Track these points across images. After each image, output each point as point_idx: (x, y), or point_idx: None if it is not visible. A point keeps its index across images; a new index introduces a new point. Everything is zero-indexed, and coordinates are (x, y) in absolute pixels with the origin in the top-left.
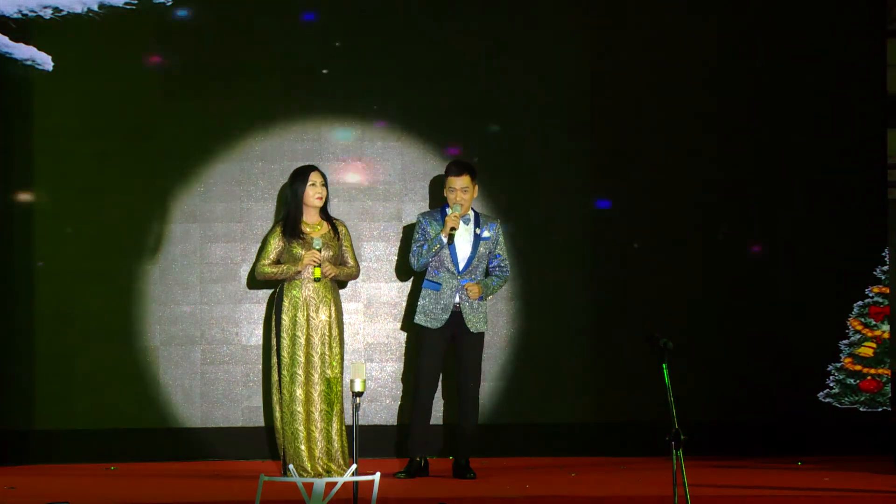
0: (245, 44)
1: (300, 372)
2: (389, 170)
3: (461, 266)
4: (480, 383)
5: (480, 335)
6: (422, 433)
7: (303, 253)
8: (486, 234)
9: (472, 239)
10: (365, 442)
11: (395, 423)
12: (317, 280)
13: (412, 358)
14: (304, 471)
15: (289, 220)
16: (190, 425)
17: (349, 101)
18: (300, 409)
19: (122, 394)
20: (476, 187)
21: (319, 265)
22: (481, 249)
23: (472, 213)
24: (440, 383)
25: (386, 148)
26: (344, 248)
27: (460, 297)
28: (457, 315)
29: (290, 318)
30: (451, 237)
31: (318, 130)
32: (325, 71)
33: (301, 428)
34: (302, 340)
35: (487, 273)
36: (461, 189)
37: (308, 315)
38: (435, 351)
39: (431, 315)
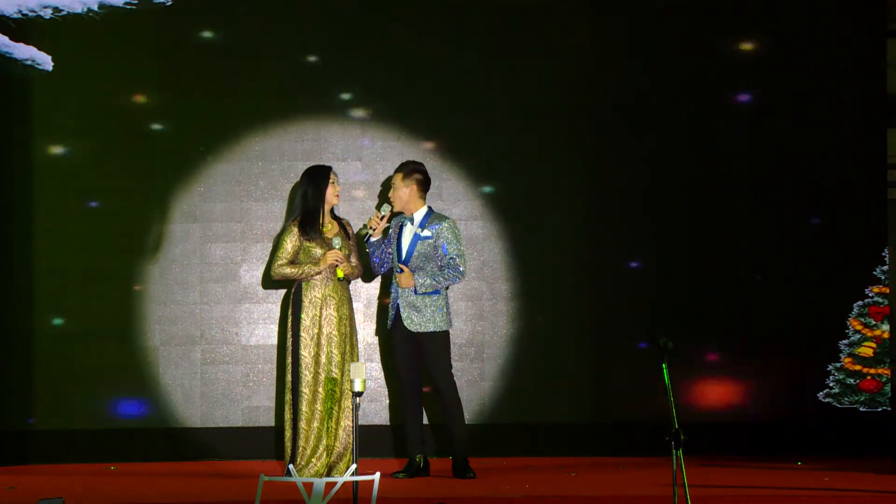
0: (245, 44)
1: (322, 371)
2: (389, 170)
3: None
4: (454, 383)
5: (433, 336)
6: (414, 432)
7: (321, 252)
8: (426, 233)
9: (412, 237)
10: (365, 442)
11: (397, 423)
12: (340, 279)
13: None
14: (319, 468)
15: (308, 218)
16: (190, 425)
17: (349, 100)
18: (321, 406)
19: (122, 394)
20: (410, 186)
21: (340, 264)
22: (420, 248)
23: (422, 213)
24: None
25: (386, 148)
26: (351, 246)
27: (399, 295)
28: (398, 314)
29: (310, 318)
30: (368, 236)
31: (318, 130)
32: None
33: (321, 426)
34: (323, 339)
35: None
36: (392, 186)
37: (328, 313)
38: (399, 349)
39: (388, 313)
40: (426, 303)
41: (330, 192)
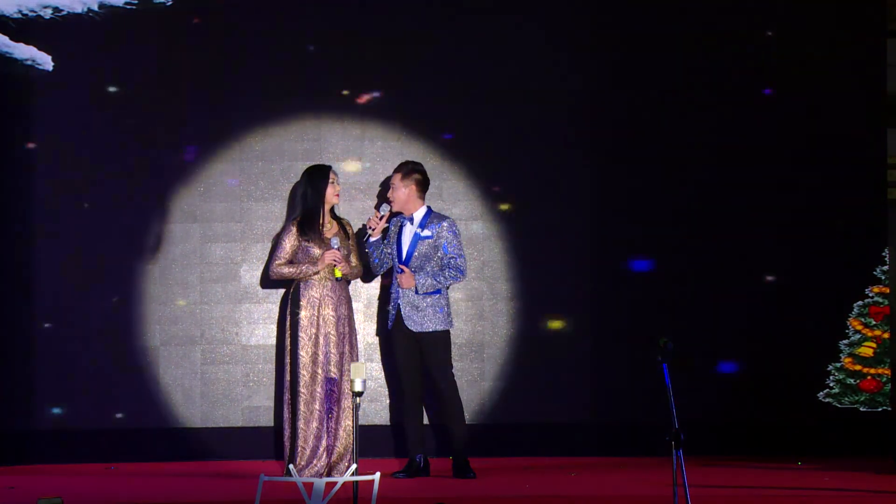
0: (245, 44)
1: (320, 371)
2: (389, 170)
3: (401, 264)
4: (455, 382)
5: (433, 335)
6: (415, 432)
7: (320, 252)
8: (426, 233)
9: (412, 237)
10: (365, 442)
11: (396, 423)
12: (338, 279)
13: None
14: (318, 469)
15: (307, 218)
16: (190, 425)
17: (349, 100)
18: (319, 406)
19: (122, 394)
20: (409, 187)
21: (338, 264)
22: (421, 248)
23: (421, 213)
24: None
25: (386, 148)
26: (350, 246)
27: (401, 295)
28: (399, 314)
29: (308, 317)
30: (367, 236)
31: (318, 130)
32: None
33: (320, 426)
34: (321, 339)
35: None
36: (391, 186)
37: (326, 313)
38: (399, 349)
39: (388, 314)
40: (427, 302)
41: (330, 192)
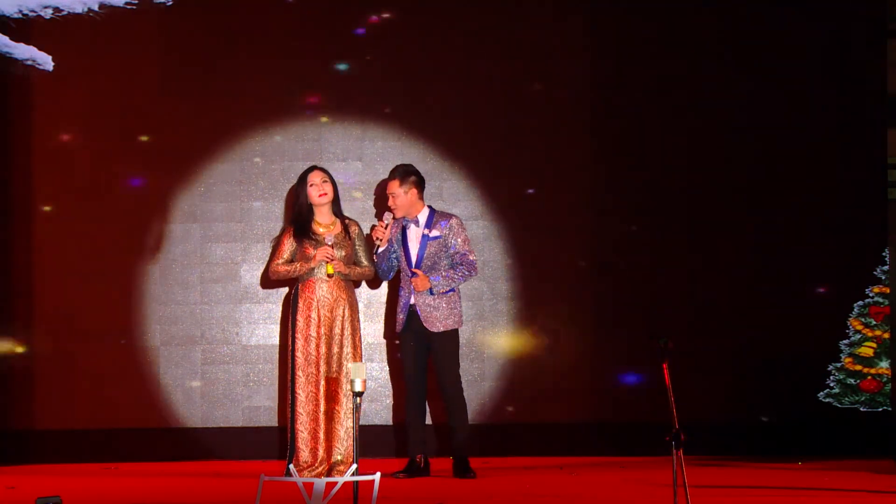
0: (245, 44)
1: (314, 371)
2: (389, 170)
3: (413, 266)
4: (461, 382)
5: (446, 334)
6: (417, 432)
7: (315, 251)
8: (434, 233)
9: (420, 239)
10: (365, 442)
11: (397, 423)
12: (329, 276)
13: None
14: (319, 469)
15: (299, 222)
16: (190, 425)
17: (349, 100)
18: (316, 408)
19: (122, 394)
20: (410, 191)
21: (331, 261)
22: (430, 249)
23: (425, 213)
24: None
25: (386, 148)
26: (357, 247)
27: (415, 297)
28: (414, 314)
29: (304, 319)
30: (376, 247)
31: (318, 130)
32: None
33: (317, 427)
34: (318, 340)
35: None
36: (390, 195)
37: (323, 315)
38: (407, 351)
39: (397, 316)
40: (442, 302)
41: (311, 194)
